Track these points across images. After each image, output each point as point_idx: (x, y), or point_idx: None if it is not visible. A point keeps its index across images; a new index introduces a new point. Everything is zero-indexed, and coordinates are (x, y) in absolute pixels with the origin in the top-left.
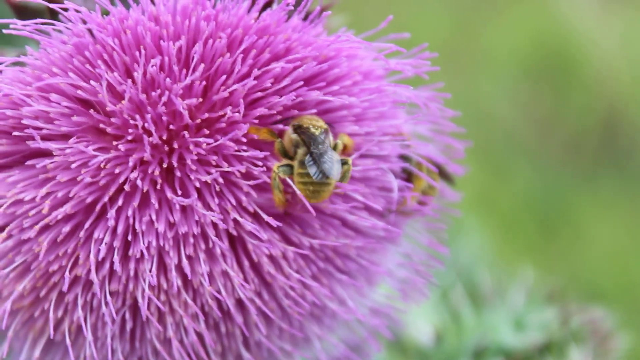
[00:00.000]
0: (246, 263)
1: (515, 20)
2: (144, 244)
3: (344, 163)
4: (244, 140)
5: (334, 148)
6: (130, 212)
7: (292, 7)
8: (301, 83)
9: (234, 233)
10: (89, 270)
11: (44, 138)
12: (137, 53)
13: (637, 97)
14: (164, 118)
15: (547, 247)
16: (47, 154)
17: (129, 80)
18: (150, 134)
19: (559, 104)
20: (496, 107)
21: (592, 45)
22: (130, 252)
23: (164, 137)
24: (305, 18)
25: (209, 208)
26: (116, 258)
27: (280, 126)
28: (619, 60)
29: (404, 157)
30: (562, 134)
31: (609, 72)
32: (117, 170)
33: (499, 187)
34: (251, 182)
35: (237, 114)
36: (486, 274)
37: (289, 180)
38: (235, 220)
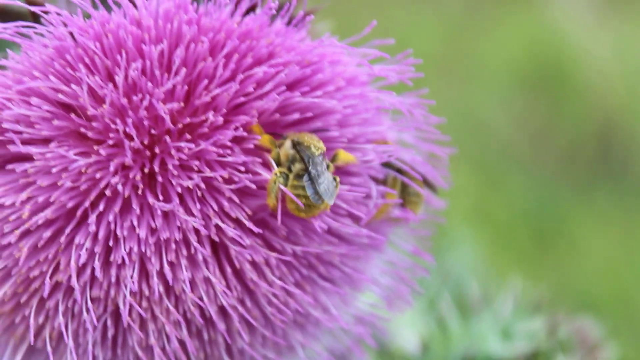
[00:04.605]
0: (228, 270)
1: (510, 30)
2: (125, 250)
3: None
4: (228, 144)
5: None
6: (111, 218)
7: (275, 12)
8: (284, 88)
9: (216, 239)
10: (70, 276)
11: (25, 142)
12: (118, 57)
13: (632, 107)
14: (146, 123)
15: (541, 258)
16: (28, 158)
17: (110, 84)
18: (131, 139)
19: (554, 114)
20: (490, 118)
21: (586, 55)
22: (111, 258)
23: (146, 142)
24: (288, 23)
25: (191, 214)
26: (97, 264)
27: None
28: (613, 71)
29: (387, 165)
30: (557, 145)
31: (604, 83)
32: (98, 175)
33: (493, 198)
34: (232, 186)
35: (219, 119)
36: (474, 283)
37: (283, 188)
38: (217, 226)
